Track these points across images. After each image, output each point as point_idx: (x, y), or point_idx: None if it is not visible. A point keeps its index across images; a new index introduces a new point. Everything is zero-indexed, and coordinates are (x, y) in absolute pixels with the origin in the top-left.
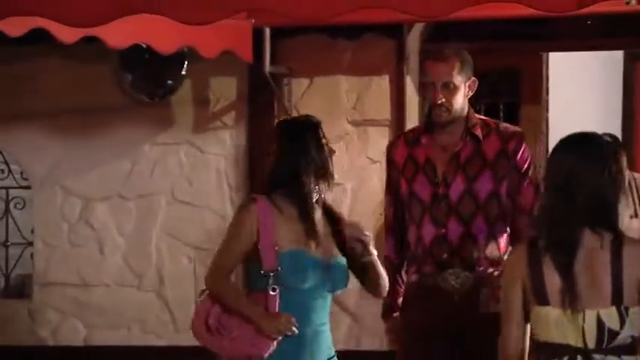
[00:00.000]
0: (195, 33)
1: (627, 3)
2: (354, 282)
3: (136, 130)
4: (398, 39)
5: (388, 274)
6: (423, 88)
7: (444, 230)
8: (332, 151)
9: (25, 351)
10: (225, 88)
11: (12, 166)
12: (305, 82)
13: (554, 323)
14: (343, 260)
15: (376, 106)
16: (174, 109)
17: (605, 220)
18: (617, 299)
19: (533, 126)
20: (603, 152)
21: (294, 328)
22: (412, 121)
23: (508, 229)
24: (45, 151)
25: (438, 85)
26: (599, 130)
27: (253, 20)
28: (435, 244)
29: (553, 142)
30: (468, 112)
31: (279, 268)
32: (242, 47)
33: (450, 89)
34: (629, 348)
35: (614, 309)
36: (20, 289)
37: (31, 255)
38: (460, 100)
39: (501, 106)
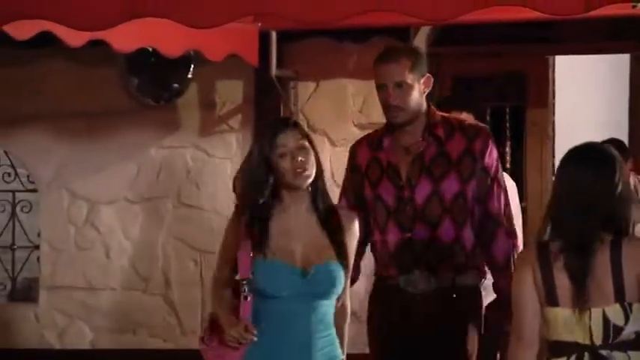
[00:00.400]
0: (201, 36)
1: (634, 6)
2: (359, 284)
3: (142, 133)
4: (404, 42)
5: None
6: (377, 91)
7: (409, 234)
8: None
9: (31, 354)
10: (231, 92)
11: (18, 170)
12: (311, 85)
13: (563, 323)
14: (331, 267)
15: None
16: (181, 113)
17: (619, 227)
18: (619, 296)
19: (540, 129)
20: (615, 164)
21: (252, 337)
22: None
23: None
24: (51, 154)
25: (390, 86)
26: (606, 134)
27: (259, 24)
28: (399, 248)
29: (559, 145)
30: (428, 111)
31: (251, 276)
32: (248, 50)
33: (403, 89)
34: (634, 343)
35: (617, 306)
36: (27, 293)
37: (38, 258)
38: (415, 99)
39: (507, 109)
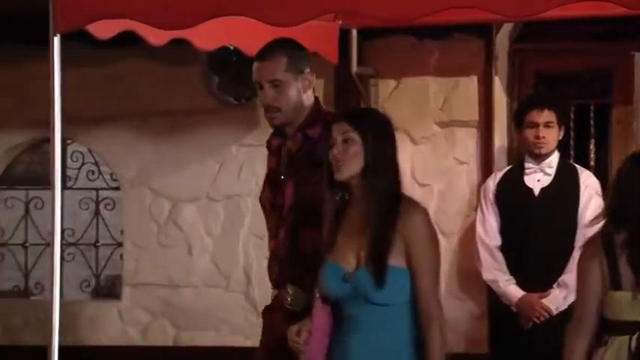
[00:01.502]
0: (281, 34)
1: None
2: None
3: (223, 131)
4: (486, 39)
5: None
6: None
7: (275, 243)
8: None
9: (114, 351)
10: None
11: (102, 168)
12: (392, 83)
13: (627, 304)
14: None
15: (464, 107)
16: (261, 111)
17: None
18: None
19: (624, 128)
20: None
21: (297, 341)
22: (500, 122)
23: None
24: (134, 152)
25: (266, 85)
26: None
27: (340, 21)
28: (271, 258)
29: None
30: (311, 110)
31: (320, 277)
32: (328, 48)
33: (279, 88)
34: None
35: None
36: (110, 290)
37: (121, 256)
38: (293, 99)
39: (592, 107)
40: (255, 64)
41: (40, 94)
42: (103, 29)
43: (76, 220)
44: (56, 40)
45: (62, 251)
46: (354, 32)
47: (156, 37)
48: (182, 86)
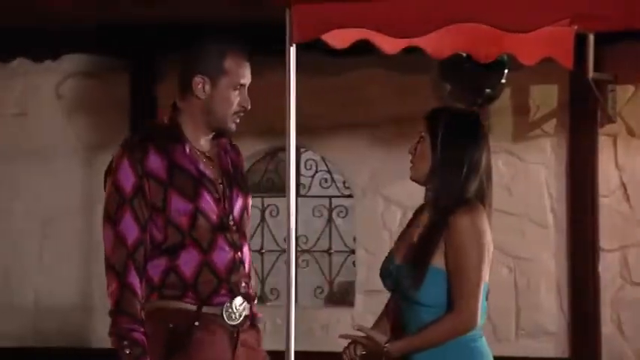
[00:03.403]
0: (514, 40)
1: None
2: None
3: None
4: None
5: None
6: (227, 89)
7: None
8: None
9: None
10: (545, 96)
11: (335, 176)
12: (630, 89)
13: None
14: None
15: None
16: (493, 118)
17: None
18: None
19: None
20: None
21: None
22: None
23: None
24: (366, 160)
25: (245, 88)
26: None
27: (576, 26)
28: None
29: None
30: None
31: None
32: (563, 54)
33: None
34: None
35: None
36: (343, 296)
37: (354, 263)
38: None
39: None
40: (243, 64)
41: (276, 104)
42: (339, 38)
43: (310, 227)
44: (292, 50)
45: (297, 258)
46: (591, 37)
47: (390, 45)
48: (414, 94)
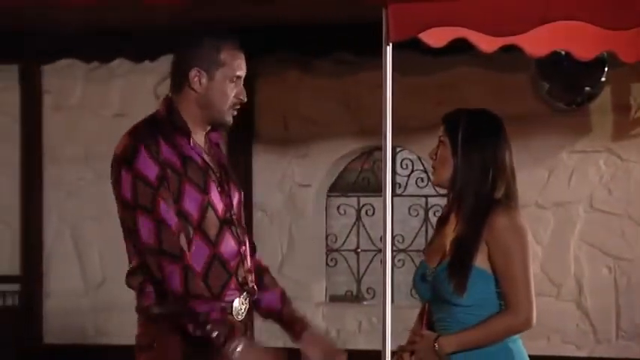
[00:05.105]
0: (615, 37)
1: None
2: None
3: (552, 137)
4: None
5: None
6: (224, 82)
7: None
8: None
9: None
10: None
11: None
12: None
13: None
14: (443, 270)
15: None
16: (593, 116)
17: None
18: None
19: None
20: None
21: None
22: None
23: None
24: None
25: (241, 80)
26: None
27: None
28: None
29: None
30: None
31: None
32: None
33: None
34: None
35: None
36: None
37: None
38: None
39: None
40: (239, 55)
41: (372, 103)
42: (436, 37)
43: (406, 226)
44: (388, 50)
45: (393, 257)
46: None
47: (487, 43)
48: (512, 92)
